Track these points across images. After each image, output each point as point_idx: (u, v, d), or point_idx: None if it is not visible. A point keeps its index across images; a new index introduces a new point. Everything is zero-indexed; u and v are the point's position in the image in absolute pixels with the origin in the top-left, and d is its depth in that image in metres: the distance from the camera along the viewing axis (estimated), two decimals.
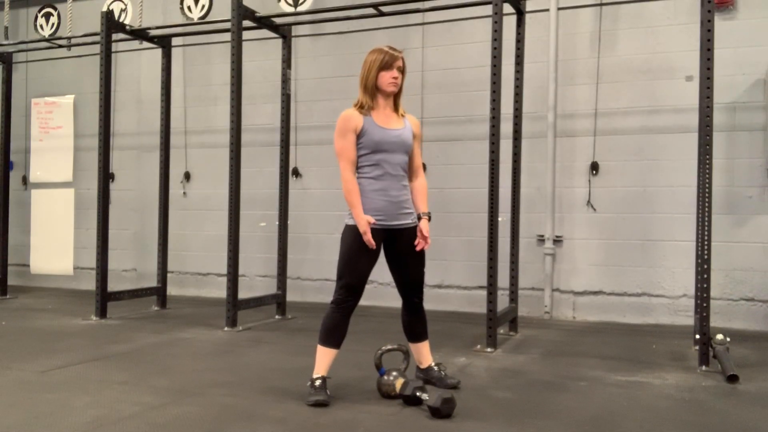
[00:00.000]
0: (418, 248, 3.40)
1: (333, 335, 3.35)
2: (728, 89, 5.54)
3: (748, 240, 5.58)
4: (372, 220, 3.30)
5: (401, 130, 3.43)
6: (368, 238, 3.27)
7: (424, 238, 3.40)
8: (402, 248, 3.43)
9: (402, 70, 3.45)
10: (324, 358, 3.35)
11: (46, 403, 3.26)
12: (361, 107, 3.39)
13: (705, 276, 4.08)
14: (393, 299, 3.63)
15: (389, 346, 3.52)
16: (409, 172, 3.51)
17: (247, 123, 6.25)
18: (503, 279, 5.04)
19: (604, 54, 5.99)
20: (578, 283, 6.06)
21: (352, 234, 3.35)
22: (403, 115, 3.50)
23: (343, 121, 3.36)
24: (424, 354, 3.60)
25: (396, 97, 3.49)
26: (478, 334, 4.77)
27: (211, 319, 5.71)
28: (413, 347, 3.61)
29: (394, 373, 3.35)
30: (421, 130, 3.59)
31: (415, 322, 3.56)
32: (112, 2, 6.57)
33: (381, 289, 6.15)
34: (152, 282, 6.69)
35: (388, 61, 3.40)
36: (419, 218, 3.46)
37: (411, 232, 3.44)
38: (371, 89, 3.40)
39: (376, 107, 3.41)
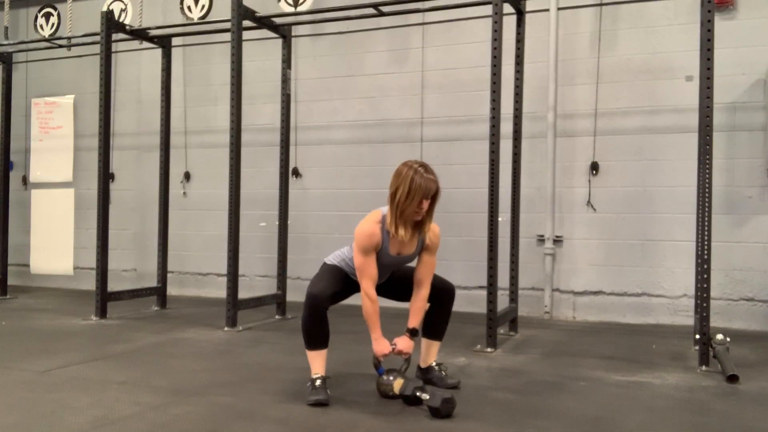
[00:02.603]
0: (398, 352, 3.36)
1: (315, 337, 3.33)
2: (728, 89, 5.54)
3: (748, 240, 5.58)
4: (389, 350, 3.32)
5: (409, 256, 3.40)
6: (378, 360, 3.34)
7: (400, 352, 3.35)
8: (391, 277, 3.49)
9: (435, 197, 3.26)
10: (315, 359, 3.34)
11: (46, 403, 3.26)
12: (395, 230, 3.23)
13: (705, 276, 4.08)
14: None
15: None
16: (415, 278, 3.42)
17: (247, 123, 6.25)
18: (503, 279, 5.04)
19: (604, 54, 5.99)
20: (578, 283, 6.07)
21: (325, 267, 3.46)
22: (424, 230, 3.33)
23: (367, 239, 3.25)
24: (431, 353, 3.59)
25: (424, 219, 3.29)
26: (478, 334, 4.77)
27: (211, 319, 5.70)
28: (424, 342, 3.58)
29: (394, 374, 3.34)
30: (439, 240, 3.45)
31: (438, 317, 3.52)
32: (112, 2, 6.56)
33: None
34: (152, 282, 6.69)
35: (430, 191, 3.19)
36: (406, 330, 3.38)
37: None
38: (404, 215, 3.21)
39: (398, 235, 3.25)
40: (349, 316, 4.20)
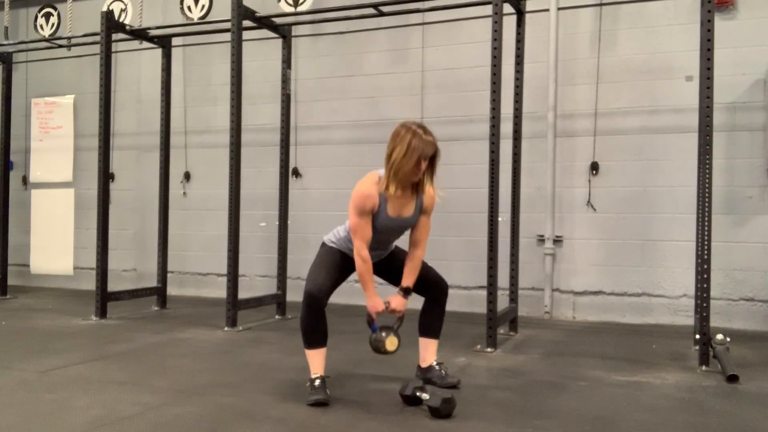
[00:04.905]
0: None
1: (313, 336, 3.34)
2: (728, 89, 5.54)
3: (748, 240, 5.58)
4: (382, 307, 3.34)
5: (408, 218, 3.37)
6: (371, 317, 3.34)
7: (393, 310, 3.37)
8: (391, 262, 3.49)
9: (434, 159, 3.25)
10: (314, 359, 3.34)
11: (46, 403, 3.26)
12: (386, 188, 3.22)
13: (705, 276, 4.08)
14: None
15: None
16: (411, 240, 3.45)
17: (247, 123, 6.24)
18: (503, 279, 5.04)
19: (604, 54, 5.99)
20: (578, 283, 6.06)
21: (327, 252, 3.45)
22: (421, 191, 3.33)
23: (362, 200, 3.24)
24: (429, 352, 3.59)
25: (422, 179, 3.29)
26: (478, 334, 4.77)
27: (211, 319, 5.71)
28: (421, 342, 3.59)
29: (386, 331, 3.33)
30: (434, 202, 3.42)
31: (433, 315, 3.54)
32: (112, 2, 6.56)
33: (381, 289, 6.12)
34: (152, 282, 6.69)
35: (428, 153, 3.19)
36: (400, 289, 3.41)
37: (400, 251, 3.53)
38: (398, 175, 3.20)
39: (389, 193, 3.24)
40: (348, 315, 4.20)
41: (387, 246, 3.50)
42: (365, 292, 3.35)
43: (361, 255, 3.29)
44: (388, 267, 3.54)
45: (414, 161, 3.17)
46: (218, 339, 5.01)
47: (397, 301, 3.39)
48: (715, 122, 4.38)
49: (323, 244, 3.52)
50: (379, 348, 3.33)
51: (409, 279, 3.42)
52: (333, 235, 3.51)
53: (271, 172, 6.55)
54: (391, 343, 3.31)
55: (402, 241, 3.55)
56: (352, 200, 3.27)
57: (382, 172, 3.31)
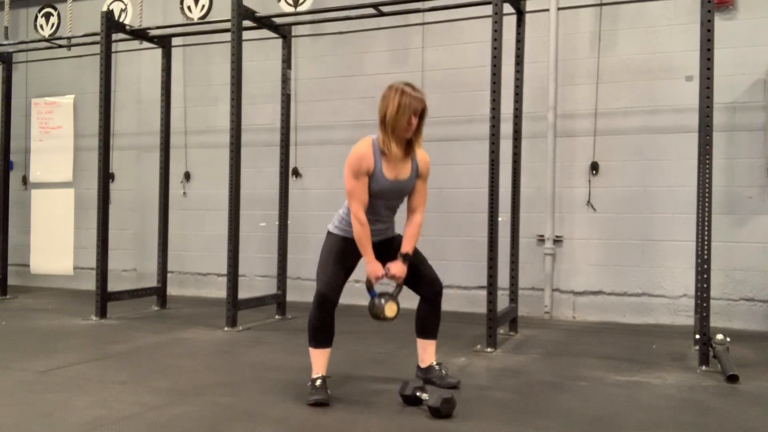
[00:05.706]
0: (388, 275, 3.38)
1: (321, 335, 3.34)
2: (728, 89, 5.54)
3: (748, 240, 5.58)
4: (383, 273, 3.32)
5: (405, 181, 3.38)
6: (371, 283, 3.33)
7: (393, 276, 3.36)
8: (389, 253, 3.45)
9: (422, 115, 3.30)
10: (318, 358, 3.34)
11: (46, 403, 3.26)
12: (388, 148, 3.26)
13: (705, 276, 4.08)
14: None
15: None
16: (408, 206, 3.46)
17: (247, 123, 6.24)
18: (503, 279, 5.04)
19: (604, 54, 5.99)
20: (578, 283, 6.07)
21: (332, 242, 3.42)
22: (413, 155, 3.37)
23: (357, 161, 3.25)
24: (428, 352, 3.59)
25: (412, 138, 3.33)
26: (478, 334, 4.77)
27: (211, 319, 5.71)
28: (419, 343, 3.59)
29: (386, 297, 3.32)
30: (429, 166, 3.48)
31: (428, 316, 3.54)
32: (112, 2, 6.57)
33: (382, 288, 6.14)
34: (152, 282, 6.69)
35: (418, 107, 3.24)
36: (398, 256, 3.39)
37: (398, 238, 3.49)
38: (395, 132, 3.25)
39: (391, 152, 3.28)
40: (349, 316, 4.20)
41: (386, 219, 3.45)
42: (365, 257, 3.32)
43: (359, 218, 3.28)
44: (387, 255, 3.48)
45: (407, 117, 3.23)
46: (218, 339, 5.02)
47: (397, 267, 3.37)
48: (715, 122, 4.37)
49: (328, 233, 3.49)
50: (377, 314, 3.31)
51: (408, 245, 3.41)
52: (335, 221, 3.50)
53: (271, 172, 6.55)
54: (390, 309, 3.29)
55: (400, 217, 3.53)
56: (347, 163, 3.28)
57: (375, 136, 3.34)
